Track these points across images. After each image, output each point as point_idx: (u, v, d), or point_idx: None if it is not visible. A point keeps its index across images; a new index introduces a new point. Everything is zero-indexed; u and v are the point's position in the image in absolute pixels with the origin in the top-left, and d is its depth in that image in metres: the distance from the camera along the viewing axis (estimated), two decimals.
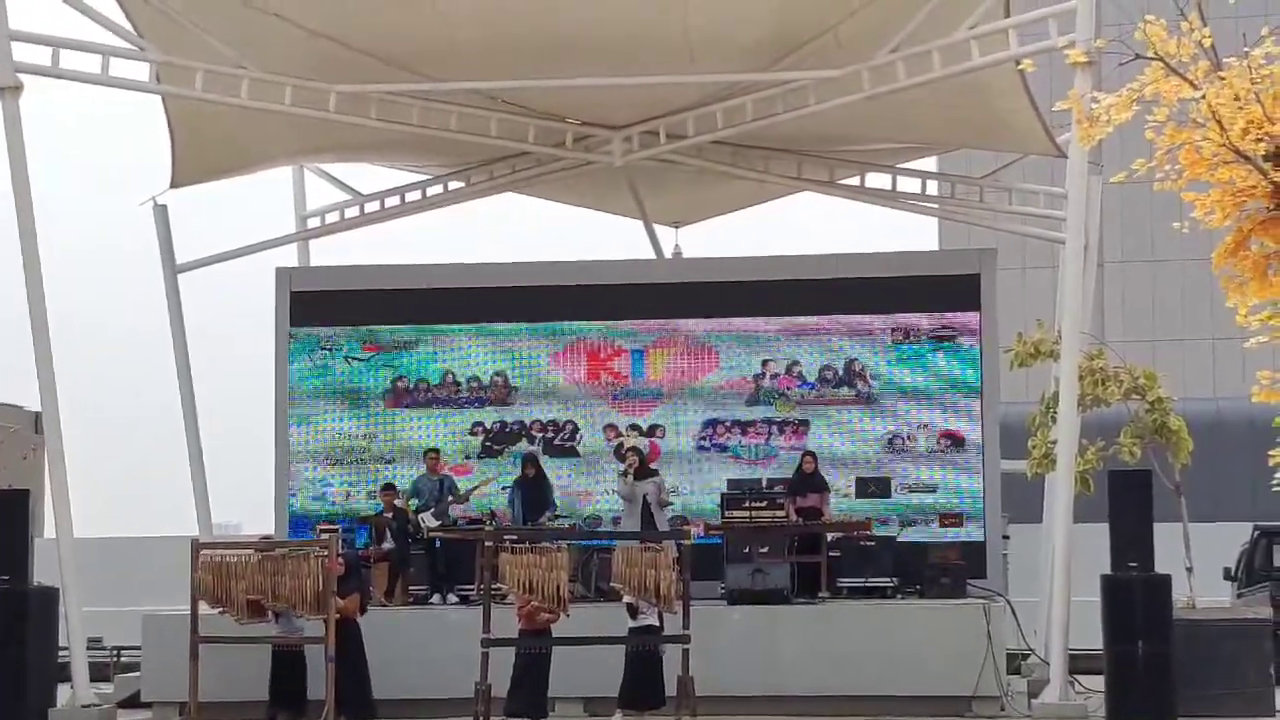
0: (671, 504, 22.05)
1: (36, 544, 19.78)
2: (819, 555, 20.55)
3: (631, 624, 17.80)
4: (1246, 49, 11.43)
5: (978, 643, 18.34)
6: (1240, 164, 11.40)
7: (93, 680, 19.59)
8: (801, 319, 22.93)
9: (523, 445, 22.88)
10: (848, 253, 23.91)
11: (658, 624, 17.81)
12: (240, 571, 18.10)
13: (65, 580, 19.16)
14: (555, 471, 22.52)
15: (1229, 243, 11.83)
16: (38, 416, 19.67)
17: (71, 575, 19.17)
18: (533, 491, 21.27)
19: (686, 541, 18.27)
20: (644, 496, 20.61)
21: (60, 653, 19.48)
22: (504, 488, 22.05)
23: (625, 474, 20.90)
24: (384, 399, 23.52)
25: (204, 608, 18.35)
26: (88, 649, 19.75)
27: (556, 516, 21.52)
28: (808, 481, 21.18)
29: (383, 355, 23.60)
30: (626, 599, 17.82)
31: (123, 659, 22.51)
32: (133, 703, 19.76)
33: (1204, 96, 11.20)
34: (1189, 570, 18.76)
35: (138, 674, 20.04)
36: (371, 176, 25.33)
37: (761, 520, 20.21)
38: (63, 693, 19.26)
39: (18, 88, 19.12)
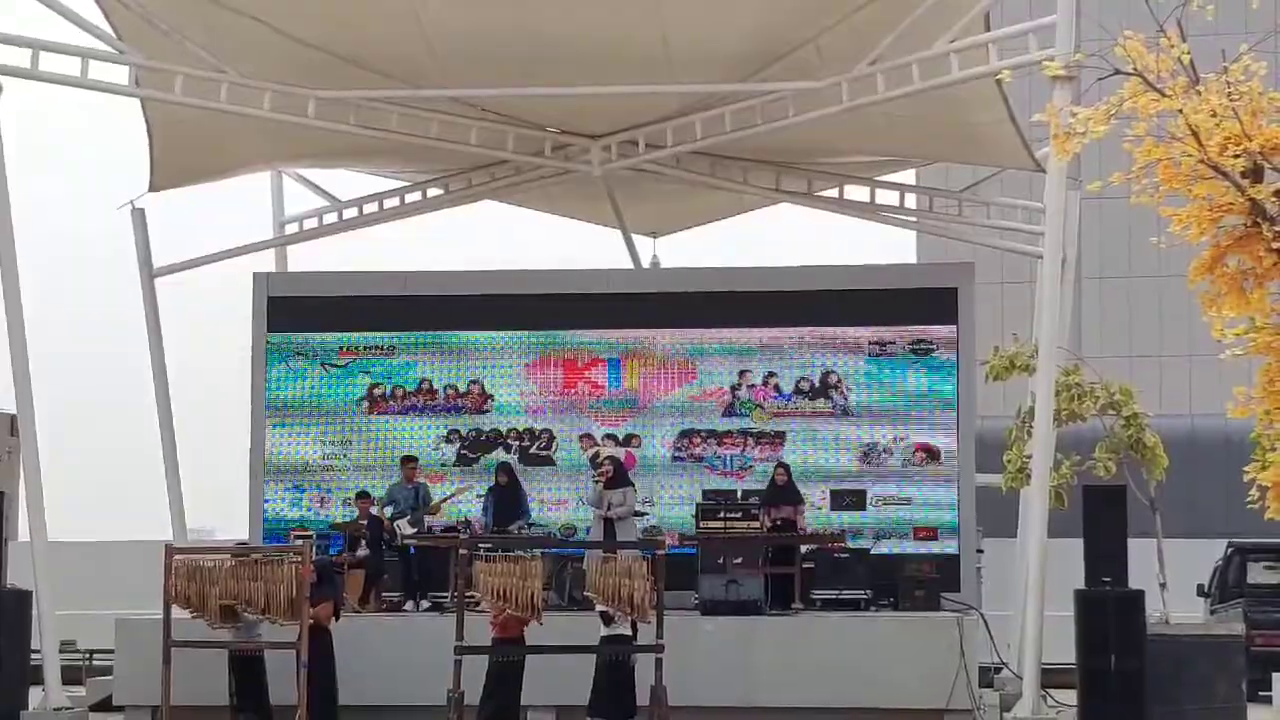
0: (645, 514, 22.03)
1: (11, 547, 19.80)
2: (793, 567, 20.54)
3: (604, 631, 17.78)
4: (1225, 65, 11.47)
5: (951, 656, 18.33)
6: (1217, 179, 11.44)
7: (65, 683, 19.55)
8: (778, 330, 22.93)
9: (499, 454, 22.84)
10: (825, 265, 23.92)
11: (630, 633, 17.80)
12: (214, 577, 18.09)
13: (39, 583, 19.11)
14: (536, 481, 22.55)
15: (1205, 258, 11.87)
16: (13, 419, 19.61)
17: (45, 578, 19.12)
18: (506, 500, 21.25)
19: (661, 552, 18.28)
20: (608, 504, 20.61)
21: (33, 655, 19.42)
22: (479, 495, 22.02)
23: (597, 481, 20.91)
24: (360, 406, 23.48)
25: (177, 612, 18.33)
26: (60, 652, 19.71)
27: (531, 525, 21.51)
28: (781, 493, 21.16)
29: (359, 362, 23.56)
30: (600, 607, 17.82)
31: (95, 662, 22.46)
32: (105, 706, 19.70)
33: (1182, 111, 11.24)
34: (1163, 586, 18.79)
35: (110, 677, 19.97)
36: (350, 183, 25.32)
37: (736, 531, 20.20)
38: (35, 695, 19.22)
39: None
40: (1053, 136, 12.69)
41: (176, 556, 18.51)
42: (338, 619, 18.21)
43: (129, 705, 19.24)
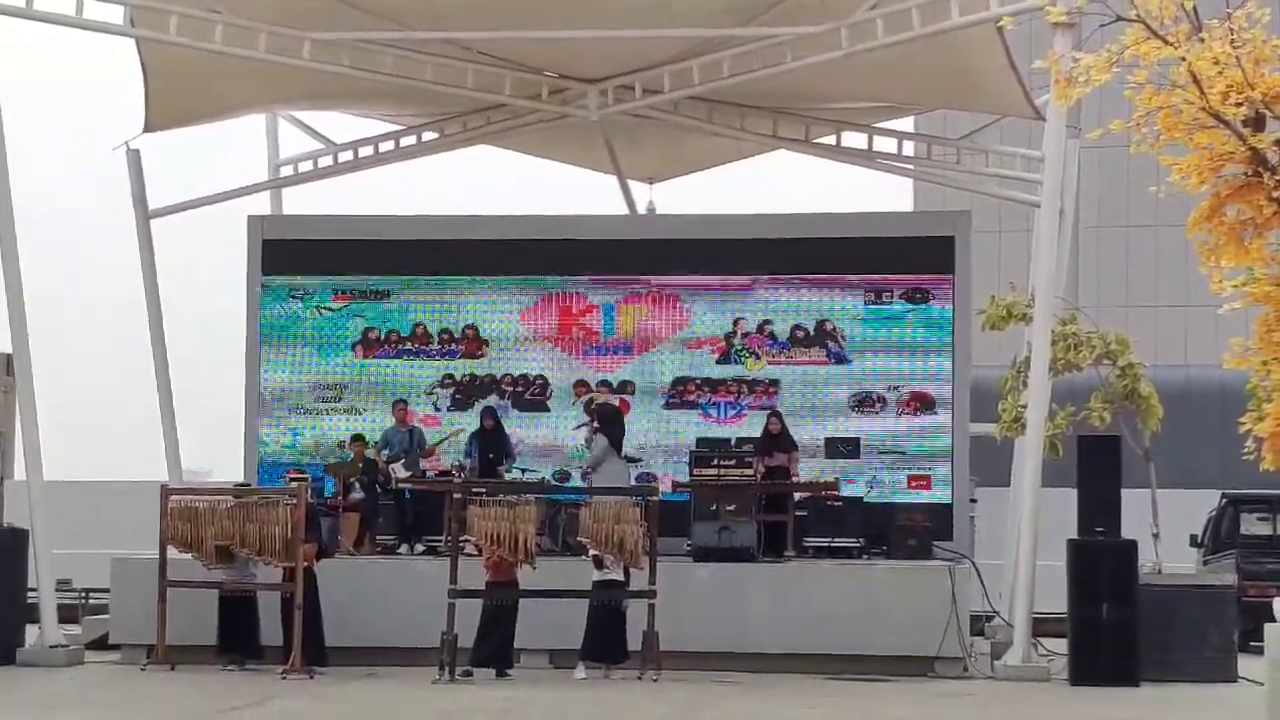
0: (639, 460, 22.06)
1: (7, 485, 19.87)
2: (786, 514, 20.58)
3: (596, 576, 17.85)
4: (1229, 12, 11.41)
5: (942, 604, 18.41)
6: (1219, 128, 11.39)
7: (61, 621, 19.62)
8: (774, 278, 22.90)
9: (492, 399, 22.83)
10: (822, 212, 23.84)
11: (622, 579, 17.86)
12: (210, 517, 18.24)
13: (35, 522, 19.16)
14: (530, 427, 22.59)
15: (1204, 208, 11.83)
16: (9, 359, 19.57)
17: (41, 517, 19.16)
18: (491, 444, 21.27)
19: (654, 498, 18.33)
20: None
21: (29, 594, 19.49)
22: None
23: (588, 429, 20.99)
24: (355, 349, 23.46)
25: (173, 552, 18.42)
26: (56, 590, 19.77)
27: (522, 470, 21.55)
28: (774, 441, 21.18)
29: (354, 305, 23.53)
30: (593, 551, 17.89)
31: (91, 601, 22.53)
32: (101, 644, 19.80)
33: (1184, 59, 11.18)
34: (1156, 536, 18.84)
35: (106, 616, 20.07)
36: (345, 126, 25.21)
37: (730, 479, 20.23)
38: (31, 633, 19.28)
39: None
40: (1054, 83, 12.62)
41: (172, 497, 18.61)
42: (319, 560, 18.30)
43: (125, 643, 19.34)
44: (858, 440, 22.57)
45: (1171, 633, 17.97)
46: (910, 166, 23.79)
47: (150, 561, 18.68)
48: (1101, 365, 19.56)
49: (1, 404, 30.89)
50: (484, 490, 18.45)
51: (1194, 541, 23.72)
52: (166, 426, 23.15)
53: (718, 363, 22.98)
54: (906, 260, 22.66)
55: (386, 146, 24.23)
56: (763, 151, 25.13)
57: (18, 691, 16.74)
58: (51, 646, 19.04)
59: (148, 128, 22.51)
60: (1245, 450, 12.86)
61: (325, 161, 24.45)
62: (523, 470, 21.71)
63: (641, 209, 26.35)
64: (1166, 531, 19.25)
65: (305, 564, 17.88)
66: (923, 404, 22.52)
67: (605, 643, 17.76)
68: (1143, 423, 19.38)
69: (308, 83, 21.69)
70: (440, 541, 20.43)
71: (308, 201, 26.28)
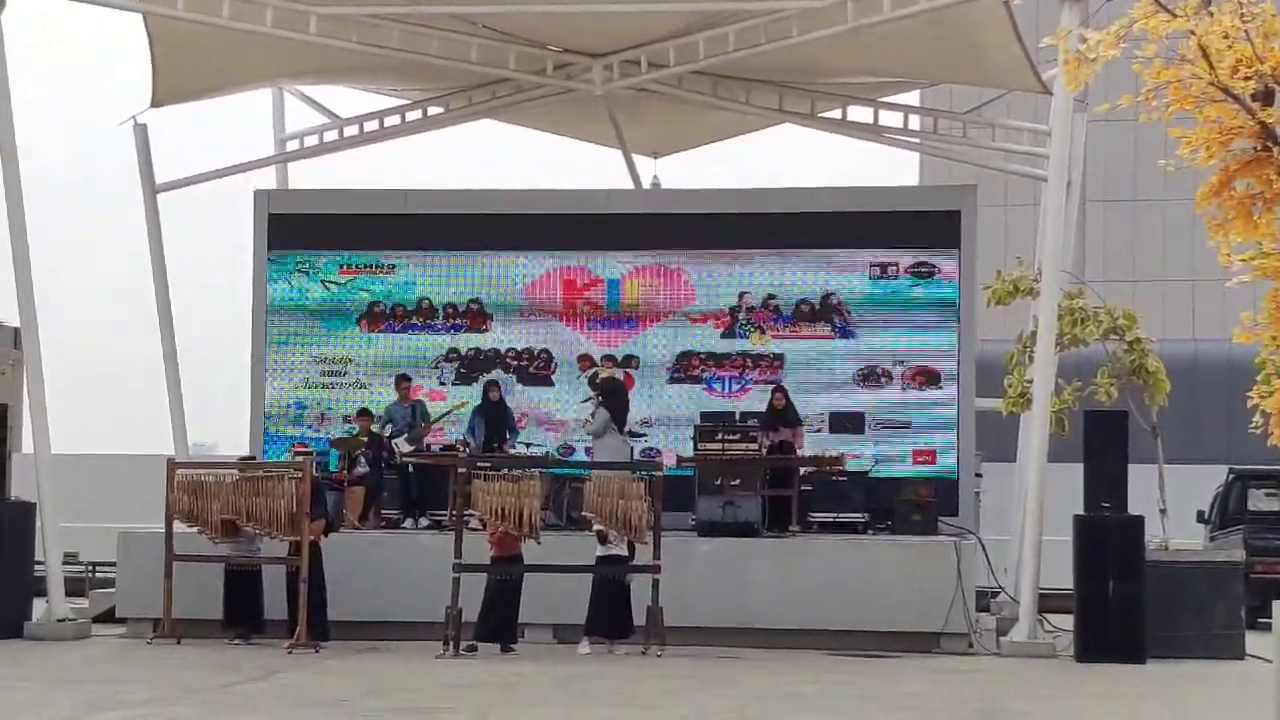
0: (643, 435, 22.03)
1: (14, 459, 19.89)
2: (791, 489, 20.58)
3: (599, 551, 17.85)
4: None
5: (948, 580, 18.39)
6: (1228, 102, 11.33)
7: (68, 595, 19.65)
8: (779, 252, 22.87)
9: (497, 374, 22.82)
10: (827, 186, 23.81)
11: (625, 554, 17.87)
12: (216, 491, 18.27)
13: (42, 495, 19.18)
14: (534, 402, 22.62)
15: (1213, 182, 11.77)
16: (17, 332, 19.59)
17: (48, 490, 19.18)
18: (495, 417, 21.26)
19: (658, 473, 18.33)
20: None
21: (36, 567, 19.53)
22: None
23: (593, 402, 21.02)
24: (360, 323, 23.45)
25: (179, 526, 18.44)
26: (64, 564, 19.80)
27: (526, 444, 21.54)
28: (779, 416, 21.16)
29: (359, 280, 23.52)
30: (597, 526, 17.89)
31: (98, 575, 22.57)
32: (107, 618, 19.83)
33: (1193, 33, 11.12)
34: (1163, 512, 18.82)
35: (113, 590, 20.10)
36: (351, 100, 25.19)
37: (734, 453, 20.22)
38: (38, 607, 19.31)
39: None
40: (1063, 63, 12.57)
41: (179, 471, 18.64)
42: (327, 535, 18.33)
43: (131, 617, 19.36)
44: (862, 415, 22.55)
45: (1178, 609, 17.95)
46: (916, 141, 23.74)
47: (157, 535, 18.70)
48: (1109, 340, 19.53)
49: (9, 378, 30.94)
50: (488, 465, 18.45)
51: (1201, 517, 23.68)
52: (172, 400, 23.15)
53: (722, 337, 22.96)
54: (912, 235, 22.61)
55: (392, 121, 24.18)
56: (768, 126, 25.08)
57: (25, 665, 16.77)
58: (59, 620, 19.07)
59: (155, 103, 22.48)
60: (1253, 425, 12.83)
61: (331, 136, 24.40)
62: (527, 445, 21.71)
63: (646, 183, 26.29)
64: (1173, 507, 19.24)
65: (312, 539, 17.89)
66: (928, 379, 22.50)
67: (609, 618, 17.77)
68: (1150, 398, 19.35)
69: (314, 57, 21.66)
70: (445, 516, 20.44)
71: (314, 176, 26.31)
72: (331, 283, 23.55)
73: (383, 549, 19.54)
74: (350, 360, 23.41)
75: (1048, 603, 18.93)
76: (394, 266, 23.48)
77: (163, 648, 18.00)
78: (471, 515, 18.03)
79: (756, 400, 22.19)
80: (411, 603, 18.52)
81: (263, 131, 25.21)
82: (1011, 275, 20.23)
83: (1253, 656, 17.38)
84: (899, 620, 18.43)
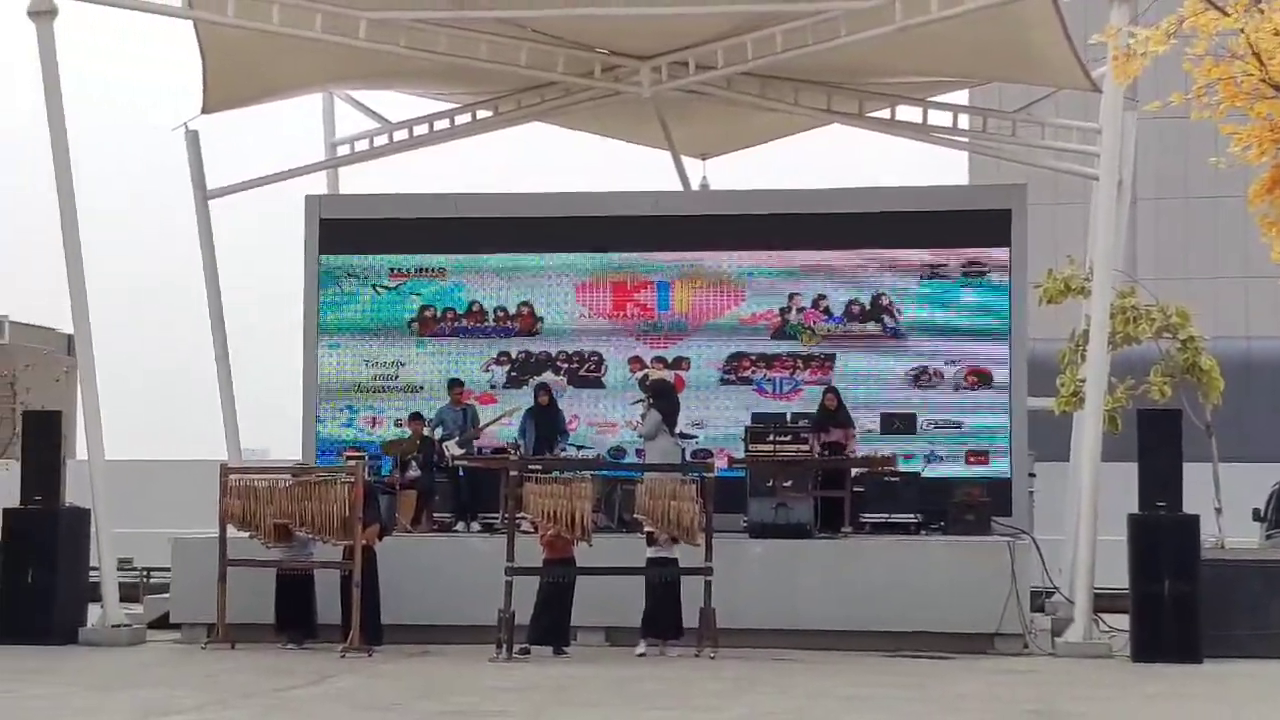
0: (695, 437, 22.02)
1: (69, 465, 19.99)
2: (843, 490, 20.55)
3: (649, 553, 17.86)
4: None
5: (1002, 580, 18.32)
6: (1279, 99, 11.27)
7: (123, 600, 19.79)
8: (829, 253, 22.83)
9: (548, 376, 22.85)
10: (877, 186, 23.73)
11: (674, 556, 17.86)
12: (268, 496, 18.34)
13: (96, 501, 19.31)
14: (585, 404, 22.68)
15: (1266, 179, 11.72)
16: (70, 339, 19.73)
17: (102, 496, 19.31)
18: (546, 420, 21.29)
19: (710, 475, 18.32)
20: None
21: (91, 573, 19.66)
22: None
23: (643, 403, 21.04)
24: (411, 328, 23.53)
25: (232, 531, 18.53)
26: (118, 570, 19.94)
27: (578, 447, 21.56)
28: (830, 417, 21.15)
29: (410, 284, 23.60)
30: (647, 528, 17.90)
31: (152, 580, 22.69)
32: (162, 623, 19.93)
33: (1243, 30, 11.06)
34: (1218, 511, 18.71)
35: (167, 595, 20.20)
36: (401, 105, 25.28)
37: (786, 455, 20.19)
38: (93, 612, 19.45)
39: (52, 12, 19.22)
40: (1112, 58, 12.52)
41: (231, 476, 18.72)
42: (381, 539, 18.39)
43: (185, 622, 19.45)
44: (914, 416, 22.49)
45: (1234, 608, 17.83)
46: (965, 140, 23.63)
47: (210, 540, 18.79)
48: (1161, 338, 19.42)
49: (63, 384, 31.11)
50: (540, 467, 18.47)
51: (1256, 516, 23.46)
52: (225, 405, 23.27)
53: (773, 338, 22.93)
54: (963, 234, 22.53)
55: (441, 125, 24.24)
56: (816, 126, 25.03)
57: (80, 671, 16.88)
58: (113, 626, 19.19)
59: (206, 109, 22.61)
60: None
61: (381, 140, 24.48)
62: (578, 447, 21.73)
63: (695, 185, 26.31)
64: (1228, 506, 19.12)
65: (366, 543, 17.94)
66: (980, 379, 22.42)
67: (661, 620, 17.78)
68: (1204, 396, 19.23)
69: (363, 62, 21.73)
70: (497, 519, 20.49)
71: (364, 180, 26.39)
72: (382, 287, 23.63)
73: (435, 552, 19.59)
74: (402, 364, 23.49)
75: (1103, 602, 18.84)
76: (444, 270, 23.54)
77: (216, 653, 18.09)
78: (524, 518, 18.06)
79: (808, 401, 22.17)
80: (464, 606, 18.56)
81: (313, 136, 25.35)
82: (1063, 274, 20.14)
83: None
84: (953, 621, 18.36)
